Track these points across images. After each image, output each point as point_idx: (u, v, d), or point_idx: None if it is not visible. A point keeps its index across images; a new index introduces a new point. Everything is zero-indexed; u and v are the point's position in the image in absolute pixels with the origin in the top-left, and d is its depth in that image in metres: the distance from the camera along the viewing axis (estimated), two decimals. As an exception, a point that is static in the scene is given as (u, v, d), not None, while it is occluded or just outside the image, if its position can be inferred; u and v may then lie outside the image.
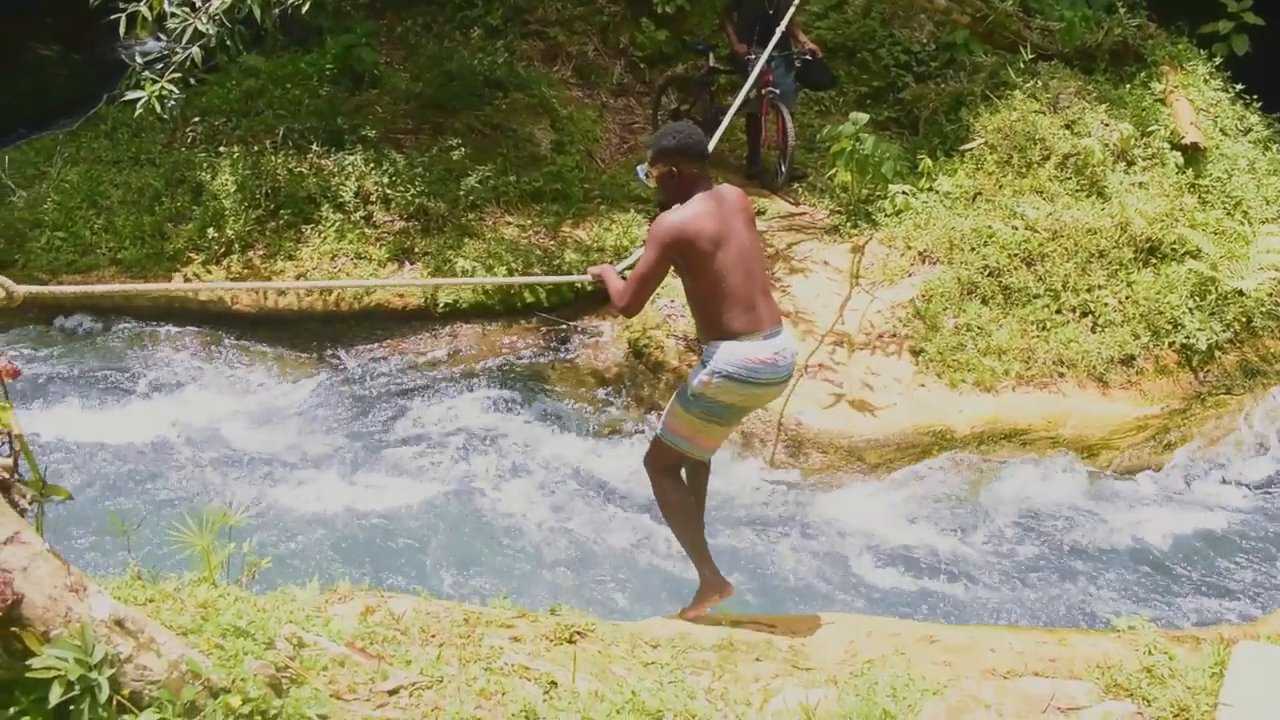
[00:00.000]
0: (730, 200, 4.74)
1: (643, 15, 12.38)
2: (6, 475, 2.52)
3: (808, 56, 9.92)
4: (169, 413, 7.43)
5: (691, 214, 4.58)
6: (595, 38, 12.67)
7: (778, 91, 9.78)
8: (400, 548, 6.39)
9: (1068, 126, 9.53)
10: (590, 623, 4.48)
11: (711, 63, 10.46)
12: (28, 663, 2.43)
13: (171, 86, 6.69)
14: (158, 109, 6.83)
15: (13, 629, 2.47)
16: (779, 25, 8.73)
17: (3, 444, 2.57)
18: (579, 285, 8.79)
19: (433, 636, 3.92)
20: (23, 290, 3.14)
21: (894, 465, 7.35)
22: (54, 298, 3.35)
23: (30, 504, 2.58)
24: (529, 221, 9.28)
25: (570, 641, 4.25)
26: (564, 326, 8.69)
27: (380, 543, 6.42)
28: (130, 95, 6.98)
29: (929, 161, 9.50)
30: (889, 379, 7.82)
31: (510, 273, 8.56)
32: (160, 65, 7.27)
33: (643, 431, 7.55)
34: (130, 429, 7.15)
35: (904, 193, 9.30)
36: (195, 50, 7.11)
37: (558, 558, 6.37)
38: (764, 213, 9.93)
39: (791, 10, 8.91)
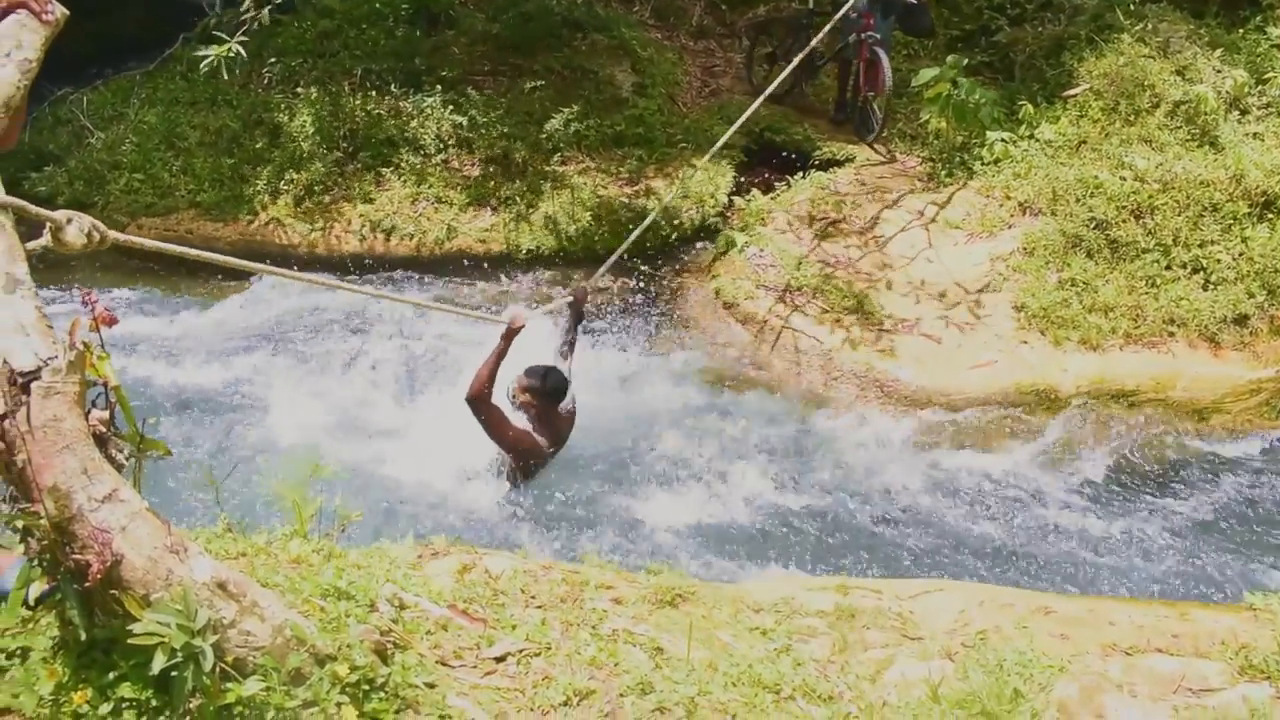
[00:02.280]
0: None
1: (725, -46, 11.96)
2: (104, 429, 2.34)
3: (912, 1, 9.41)
4: (253, 361, 7.28)
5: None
6: (676, -23, 12.31)
7: (878, 36, 9.29)
8: (481, 501, 6.21)
9: (1178, 72, 9.02)
10: (691, 585, 4.27)
11: (811, 4, 10.01)
12: (129, 628, 2.26)
13: (240, 48, 6.43)
14: (224, 74, 6.60)
15: (111, 591, 2.31)
16: None
17: (99, 395, 2.38)
18: (666, 230, 8.53)
19: (532, 598, 3.72)
20: (113, 235, 2.95)
21: (994, 425, 7.02)
22: (139, 246, 3.16)
23: (128, 459, 2.40)
24: (611, 166, 9.00)
25: (672, 605, 4.04)
26: (648, 274, 8.44)
27: (460, 496, 6.24)
28: (201, 51, 6.76)
29: (1030, 108, 9.05)
30: (989, 335, 7.48)
31: (595, 220, 8.33)
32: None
33: (730, 384, 7.29)
34: (216, 378, 7.03)
35: (1003, 140, 8.90)
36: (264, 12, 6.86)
37: (644, 515, 6.15)
38: (852, 160, 9.57)
39: None
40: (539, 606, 3.64)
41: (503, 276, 8.34)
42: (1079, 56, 9.51)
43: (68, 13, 2.86)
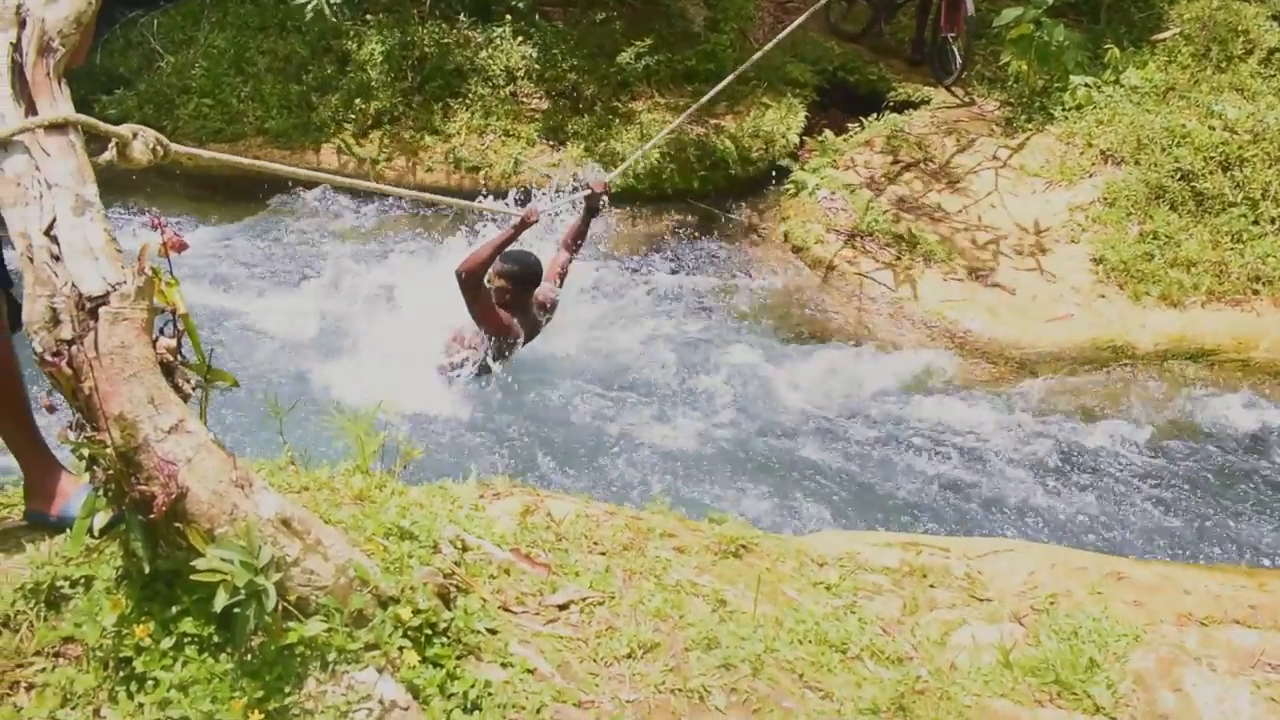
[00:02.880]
0: None
1: (805, -114, 11.55)
2: (170, 358, 2.27)
3: None
4: (321, 291, 7.22)
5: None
6: (751, -90, 11.96)
7: None
8: (545, 440, 6.14)
9: (1275, 18, 8.62)
10: (754, 535, 4.17)
11: None
12: (192, 563, 2.21)
13: None
14: (326, 10, 6.45)
15: (176, 524, 2.26)
16: None
17: (166, 323, 2.32)
18: (735, 170, 8.35)
19: (595, 544, 3.65)
20: (176, 148, 2.88)
21: (1069, 381, 6.82)
22: (202, 162, 3.08)
23: (195, 389, 2.33)
24: (681, 102, 8.78)
25: (736, 556, 3.96)
26: (716, 215, 8.28)
27: (522, 435, 6.18)
28: None
29: (1117, 52, 8.70)
30: (1065, 287, 7.26)
31: (663, 157, 8.15)
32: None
33: (794, 327, 7.14)
34: (281, 307, 6.98)
35: (1086, 85, 8.58)
36: None
37: (705, 461, 6.05)
38: (928, 102, 9.29)
39: None
40: (602, 553, 3.57)
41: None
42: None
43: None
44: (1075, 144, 8.34)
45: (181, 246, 2.29)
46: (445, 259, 7.31)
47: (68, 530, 2.86)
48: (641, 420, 6.29)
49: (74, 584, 2.60)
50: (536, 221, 5.93)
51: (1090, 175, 8.06)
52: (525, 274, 6.04)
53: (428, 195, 6.15)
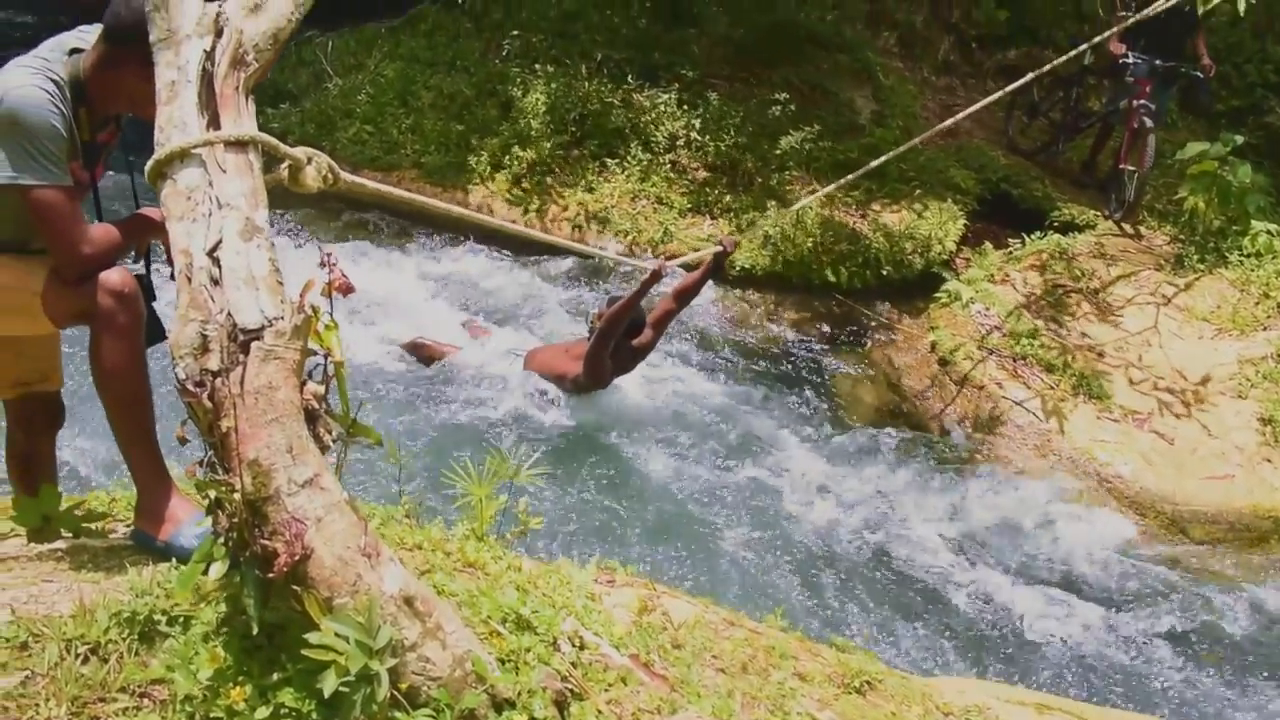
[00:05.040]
0: None
1: (984, -9, 11.37)
2: (316, 405, 2.08)
3: (1198, 74, 8.54)
4: (458, 335, 7.10)
5: None
6: (926, 8, 11.81)
7: (1151, 107, 8.41)
8: (647, 524, 5.87)
9: None
10: (879, 671, 3.84)
11: (1086, 60, 9.26)
12: (305, 636, 2.00)
13: None
14: (463, 5, 6.41)
15: (294, 587, 2.05)
16: (1180, 36, 7.67)
17: (316, 366, 2.13)
18: (887, 271, 8.08)
19: (714, 657, 3.37)
20: (347, 177, 2.74)
21: (1221, 547, 6.31)
22: (362, 192, 2.93)
23: (335, 441, 2.13)
24: (839, 193, 8.56)
25: (859, 692, 3.62)
26: (862, 315, 7.98)
27: (630, 515, 5.92)
28: None
29: (1305, 200, 8.24)
30: (1228, 445, 6.76)
31: (816, 247, 7.93)
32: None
33: (933, 449, 6.76)
34: (401, 335, 6.89)
35: (1269, 232, 8.11)
36: None
37: (822, 577, 5.70)
38: (1093, 227, 8.88)
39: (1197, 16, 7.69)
40: (721, 670, 3.29)
41: (709, 290, 7.98)
42: (1370, 152, 8.63)
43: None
44: (1251, 292, 7.86)
45: (348, 290, 2.11)
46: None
47: (173, 560, 2.70)
48: (760, 517, 5.99)
49: (172, 621, 2.41)
50: (666, 276, 6.06)
51: (1265, 329, 7.57)
52: (629, 322, 6.15)
53: (568, 243, 6.19)
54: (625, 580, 3.76)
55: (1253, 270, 8.04)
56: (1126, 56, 8.34)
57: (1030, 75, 5.86)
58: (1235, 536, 6.32)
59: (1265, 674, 5.52)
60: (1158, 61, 8.33)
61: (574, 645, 2.83)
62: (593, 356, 6.12)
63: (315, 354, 2.17)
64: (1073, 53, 6.18)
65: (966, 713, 3.83)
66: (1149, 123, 8.33)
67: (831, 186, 6.91)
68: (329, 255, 2.13)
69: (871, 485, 6.41)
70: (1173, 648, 5.59)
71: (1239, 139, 8.22)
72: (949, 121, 6.28)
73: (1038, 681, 5.18)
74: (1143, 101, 8.41)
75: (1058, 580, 5.96)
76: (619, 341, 6.14)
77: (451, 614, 2.33)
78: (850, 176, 6.07)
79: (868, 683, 3.67)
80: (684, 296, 6.32)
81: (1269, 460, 6.70)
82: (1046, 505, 6.43)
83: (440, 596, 2.56)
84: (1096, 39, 6.83)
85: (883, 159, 5.80)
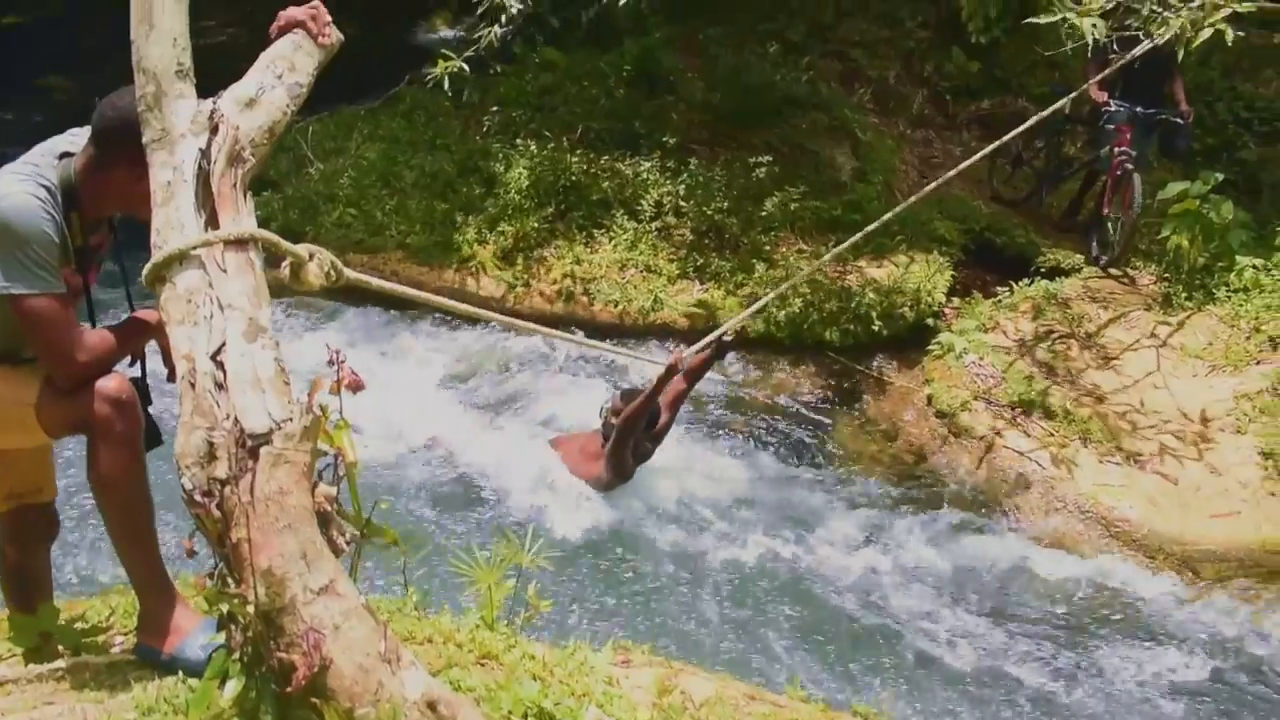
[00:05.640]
0: None
1: (953, 43, 11.49)
2: (328, 507, 2.02)
3: (1178, 120, 8.59)
4: (452, 415, 7.09)
5: None
6: (898, 63, 11.93)
7: (1133, 154, 8.44)
8: (650, 596, 5.79)
9: None
10: (901, 741, 3.76)
11: (1068, 110, 9.30)
12: (328, 752, 1.92)
13: (464, 64, 6.29)
14: (445, 86, 6.45)
15: (313, 700, 1.97)
16: (1158, 82, 7.94)
17: (326, 467, 2.07)
18: (878, 327, 8.07)
19: (738, 738, 3.28)
20: (349, 274, 2.70)
21: (1231, 584, 6.24)
22: (365, 287, 2.88)
23: (349, 544, 2.07)
24: (823, 250, 8.58)
25: (883, 764, 3.54)
26: (856, 371, 7.96)
27: (626, 588, 5.85)
28: (428, 71, 6.64)
29: (1290, 235, 8.28)
30: (1231, 481, 6.71)
31: (806, 306, 7.94)
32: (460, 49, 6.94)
33: (936, 505, 6.71)
34: (411, 429, 6.83)
35: (1254, 267, 8.14)
36: (495, 30, 6.74)
37: (835, 640, 5.60)
38: (1078, 270, 8.90)
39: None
40: (746, 751, 3.20)
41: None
42: (1350, 185, 8.70)
43: (343, 38, 2.62)
44: (1241, 327, 7.87)
45: (358, 386, 2.06)
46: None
47: (179, 674, 2.61)
48: (767, 582, 5.92)
49: (180, 735, 2.33)
50: (680, 371, 5.94)
51: (1258, 362, 7.56)
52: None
53: (567, 336, 6.12)
54: (643, 660, 3.67)
55: (1240, 305, 8.06)
56: (1109, 105, 8.41)
57: (1017, 130, 5.87)
58: (1245, 573, 6.26)
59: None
60: (1138, 109, 8.41)
61: (598, 736, 2.75)
62: (615, 456, 6.14)
63: (325, 454, 2.12)
64: (1056, 105, 6.20)
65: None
66: (1132, 169, 8.37)
67: (828, 256, 6.93)
68: (336, 352, 2.08)
69: (878, 543, 6.35)
70: (1189, 692, 5.52)
71: (1219, 176, 8.28)
72: (939, 181, 6.31)
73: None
74: (1124, 148, 8.45)
75: (1065, 629, 5.88)
76: (638, 434, 6.14)
77: (475, 714, 2.25)
78: (844, 245, 6.10)
79: (891, 754, 3.59)
80: (695, 375, 6.33)
81: (1273, 494, 6.65)
82: (1052, 553, 6.37)
83: (459, 694, 2.48)
84: (1078, 90, 6.90)
85: (878, 222, 5.81)
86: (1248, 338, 7.82)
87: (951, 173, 6.19)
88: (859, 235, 6.15)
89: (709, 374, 6.85)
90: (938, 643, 5.66)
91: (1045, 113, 6.07)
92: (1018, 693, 5.37)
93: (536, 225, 8.55)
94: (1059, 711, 5.29)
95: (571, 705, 2.76)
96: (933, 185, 6.58)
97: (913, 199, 6.30)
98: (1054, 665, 5.60)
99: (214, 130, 2.32)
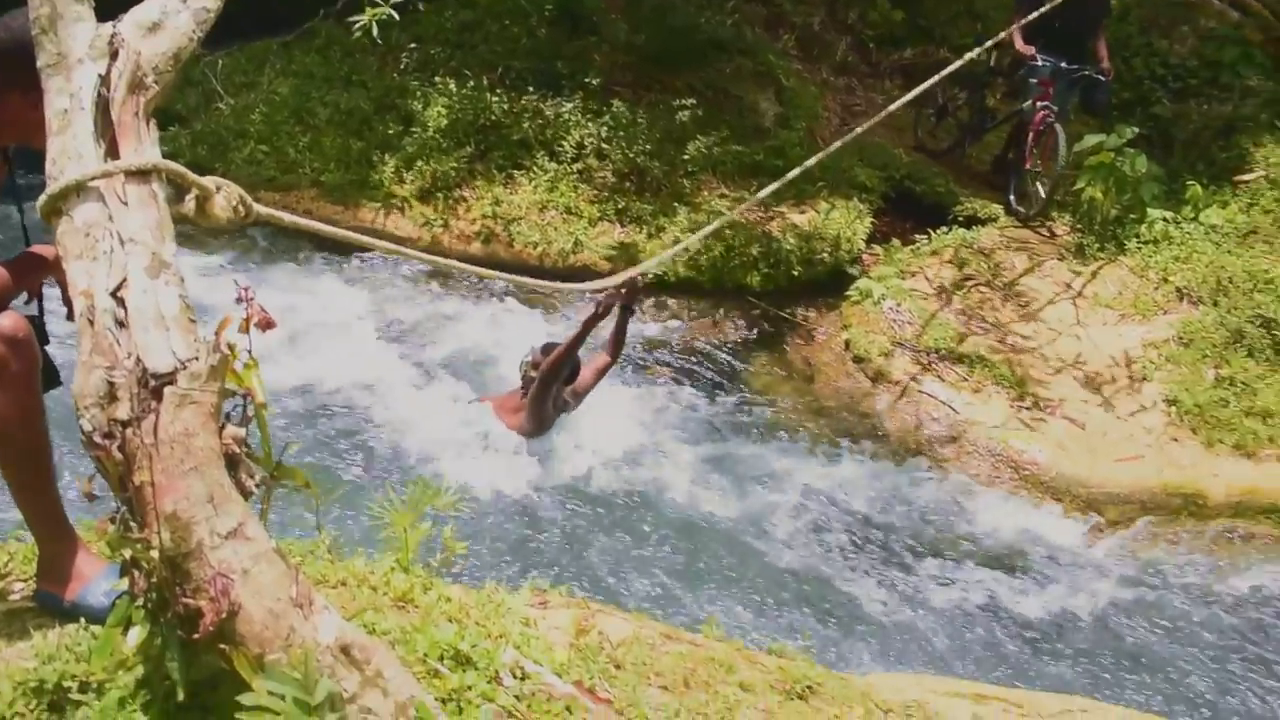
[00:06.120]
0: None
1: (879, -8, 11.52)
2: (237, 449, 1.96)
3: (1100, 76, 8.72)
4: (369, 358, 6.94)
5: None
6: (823, 10, 11.91)
7: (1055, 108, 8.57)
8: (572, 540, 5.80)
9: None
10: (818, 675, 3.81)
11: (991, 62, 9.38)
12: (238, 698, 1.88)
13: (393, 11, 6.09)
14: (375, 33, 6.26)
15: (221, 646, 1.92)
16: (1082, 38, 8.15)
17: (235, 408, 2.01)
18: (798, 272, 8.11)
19: (656, 674, 3.30)
20: (259, 210, 2.60)
21: (1133, 524, 6.45)
22: (277, 223, 2.77)
23: (259, 486, 2.02)
24: (746, 195, 8.57)
25: (801, 698, 3.60)
26: (777, 315, 8.00)
27: (547, 532, 5.85)
28: (353, 19, 6.41)
29: (1198, 189, 8.47)
30: (1136, 427, 6.93)
31: (727, 251, 7.93)
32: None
33: (854, 448, 6.80)
34: (327, 373, 6.69)
35: (1164, 219, 8.34)
36: None
37: (749, 581, 5.68)
38: (995, 220, 9.03)
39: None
40: (664, 687, 3.23)
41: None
42: (1256, 140, 8.90)
43: (251, -37, 2.50)
44: (1150, 278, 8.08)
45: (269, 325, 2.00)
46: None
47: (81, 621, 2.53)
48: (678, 524, 5.97)
49: (84, 688, 2.26)
50: (606, 315, 5.91)
51: (1165, 312, 7.78)
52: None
53: (494, 273, 5.93)
54: (560, 602, 3.67)
55: (1150, 256, 8.26)
56: (1034, 59, 8.50)
57: (936, 76, 5.89)
58: (1147, 514, 6.47)
59: (1183, 644, 5.67)
60: (1062, 64, 8.50)
61: (516, 677, 2.74)
62: (535, 405, 6.12)
63: (234, 394, 2.06)
64: (974, 52, 6.25)
65: (907, 709, 3.83)
66: (1054, 122, 8.49)
67: (751, 200, 6.87)
68: (245, 289, 2.01)
69: (792, 484, 6.42)
70: (1093, 627, 5.73)
71: (1133, 131, 8.43)
72: (862, 127, 6.28)
73: (967, 670, 5.24)
74: (1047, 102, 8.57)
75: (978, 568, 6.06)
76: (557, 388, 6.13)
77: (390, 658, 2.22)
78: (767, 190, 6.06)
79: (809, 687, 3.65)
80: (615, 350, 6.35)
81: (1175, 439, 6.89)
82: (965, 495, 6.52)
83: (374, 637, 2.45)
84: (997, 37, 6.95)
85: (801, 168, 5.78)
86: (1156, 288, 8.03)
87: (874, 119, 6.15)
88: (781, 180, 6.10)
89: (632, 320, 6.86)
90: (852, 582, 5.77)
91: (962, 59, 6.08)
92: (929, 630, 5.51)
93: (455, 165, 8.40)
94: (971, 649, 5.45)
95: (488, 647, 2.75)
96: (856, 131, 6.54)
97: (835, 144, 6.26)
98: (964, 605, 5.76)
99: (114, 55, 2.21)
